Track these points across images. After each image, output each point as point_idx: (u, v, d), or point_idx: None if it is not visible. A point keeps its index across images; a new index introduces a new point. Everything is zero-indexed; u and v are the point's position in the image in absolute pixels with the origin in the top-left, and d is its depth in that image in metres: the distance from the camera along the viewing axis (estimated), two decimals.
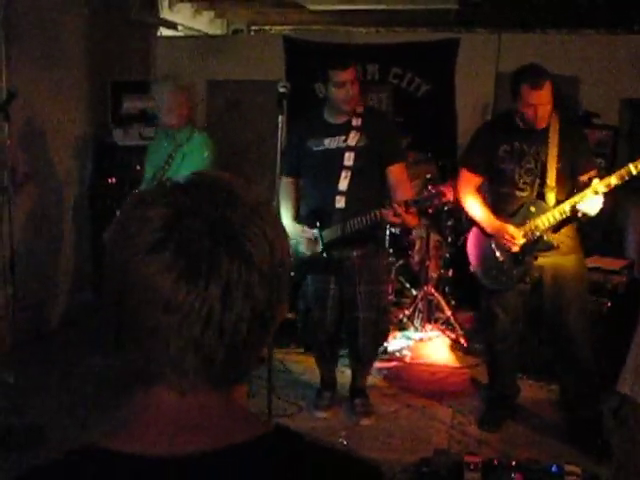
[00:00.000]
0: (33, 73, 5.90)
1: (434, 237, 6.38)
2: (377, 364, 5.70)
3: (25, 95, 5.41)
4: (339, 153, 4.52)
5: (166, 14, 8.28)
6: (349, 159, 4.51)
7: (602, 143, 6.48)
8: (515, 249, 4.35)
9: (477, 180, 4.56)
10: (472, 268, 4.63)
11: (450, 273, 6.40)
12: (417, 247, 6.36)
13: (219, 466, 0.96)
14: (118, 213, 1.07)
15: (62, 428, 4.34)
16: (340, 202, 4.49)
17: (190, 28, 8.87)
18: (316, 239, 4.49)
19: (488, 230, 4.46)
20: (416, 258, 6.39)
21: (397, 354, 5.91)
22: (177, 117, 4.89)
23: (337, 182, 4.50)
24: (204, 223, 0.96)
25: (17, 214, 4.28)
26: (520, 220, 4.36)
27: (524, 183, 4.36)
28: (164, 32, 8.49)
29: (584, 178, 4.21)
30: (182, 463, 0.95)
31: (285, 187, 4.65)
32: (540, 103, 4.14)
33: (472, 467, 3.73)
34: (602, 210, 4.16)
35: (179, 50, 8.33)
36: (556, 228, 4.33)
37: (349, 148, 4.51)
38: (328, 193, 4.52)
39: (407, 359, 5.86)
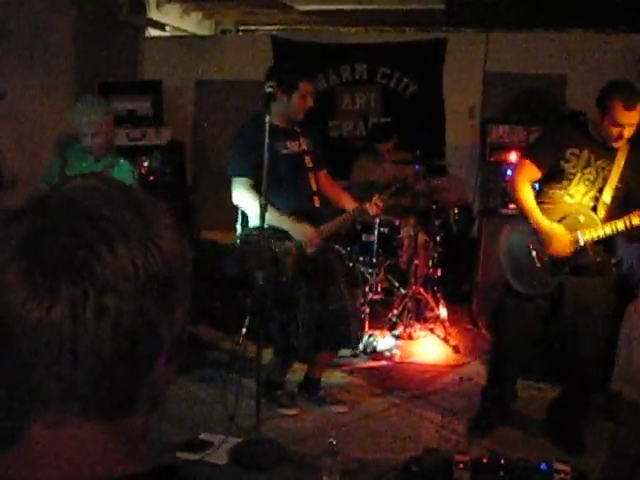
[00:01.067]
0: (21, 74, 5.88)
1: (422, 236, 6.39)
2: (366, 363, 5.73)
3: (13, 96, 5.41)
4: (301, 156, 4.75)
5: (154, 15, 8.26)
6: (309, 162, 4.79)
7: None
8: (565, 253, 4.26)
9: (536, 174, 4.39)
10: (503, 266, 4.49)
11: (439, 272, 6.41)
12: (405, 246, 6.37)
13: None
14: None
15: None
16: (317, 202, 4.77)
17: (178, 29, 8.85)
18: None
19: (536, 227, 4.31)
20: (404, 257, 6.40)
21: (386, 353, 5.92)
22: (104, 143, 4.48)
23: (309, 183, 4.75)
24: (56, 241, 0.88)
25: None
26: (567, 227, 4.27)
27: (577, 192, 4.27)
28: (152, 33, 8.48)
29: None
30: None
31: (251, 188, 4.59)
32: (629, 124, 4.05)
33: (461, 466, 3.73)
34: None
35: (167, 51, 8.32)
36: (596, 244, 4.25)
37: (305, 152, 4.77)
38: (306, 194, 4.72)
39: (396, 358, 5.87)
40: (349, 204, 4.85)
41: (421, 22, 8.67)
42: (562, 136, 4.38)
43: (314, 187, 4.78)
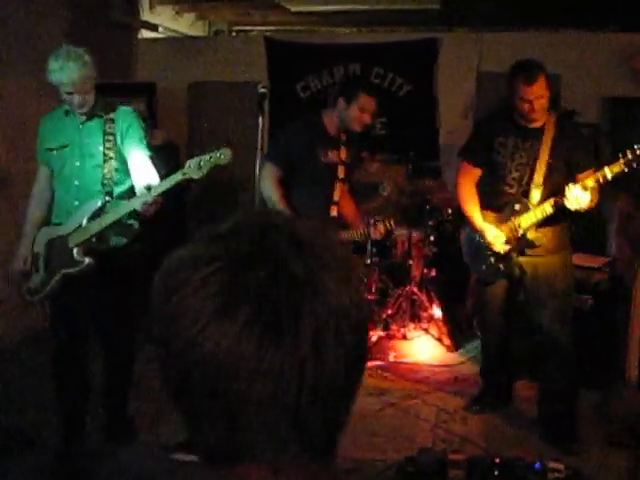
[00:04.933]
0: (16, 75, 5.86)
1: (416, 236, 6.39)
2: None
3: (8, 97, 5.40)
4: (336, 166, 4.98)
5: (147, 16, 8.25)
6: (341, 173, 5.03)
7: None
8: (495, 249, 4.44)
9: (476, 172, 4.59)
10: (464, 259, 4.79)
11: (433, 272, 6.41)
12: (400, 246, 6.37)
13: None
14: (160, 281, 0.94)
15: (50, 430, 4.28)
16: (334, 211, 5.02)
17: (171, 30, 8.85)
18: None
19: (474, 227, 4.54)
20: (399, 257, 6.40)
21: (381, 353, 5.92)
22: (90, 97, 3.95)
23: (332, 193, 4.98)
24: (268, 274, 0.86)
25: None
26: (506, 216, 4.43)
27: (513, 179, 4.40)
28: (145, 34, 8.46)
29: (582, 177, 4.21)
30: None
31: (276, 178, 4.77)
32: (535, 97, 4.17)
33: (456, 465, 3.73)
34: (591, 207, 4.19)
35: (160, 52, 8.31)
36: (540, 226, 4.37)
37: (342, 162, 5.00)
38: (325, 202, 4.97)
39: (391, 358, 5.87)
40: (355, 224, 5.22)
41: (415, 22, 8.68)
42: (487, 129, 4.56)
43: (336, 197, 5.03)
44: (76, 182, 3.98)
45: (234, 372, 0.83)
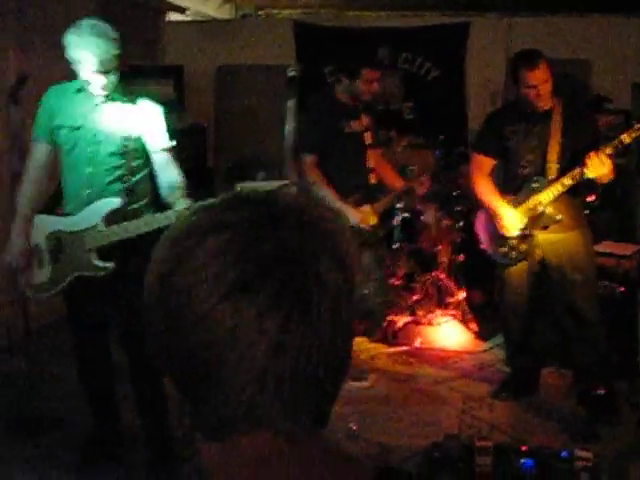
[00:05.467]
0: (44, 58, 5.87)
1: (444, 222, 6.36)
2: (387, 349, 5.72)
3: (37, 79, 5.39)
4: (362, 134, 4.99)
5: None
6: (369, 139, 5.04)
7: (613, 127, 6.44)
8: (513, 232, 4.49)
9: (489, 163, 4.68)
10: (482, 246, 4.79)
11: (461, 258, 6.37)
12: (427, 232, 6.34)
13: None
14: (162, 249, 0.91)
15: (79, 415, 4.31)
16: (373, 179, 5.09)
17: (198, 13, 8.83)
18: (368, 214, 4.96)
19: (491, 212, 4.60)
20: (426, 243, 6.37)
21: (407, 339, 5.91)
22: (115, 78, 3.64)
23: (367, 161, 5.03)
24: (279, 245, 0.86)
25: None
26: (524, 197, 4.48)
27: (527, 161, 4.47)
28: (172, 17, 8.46)
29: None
30: None
31: (314, 165, 4.85)
32: (539, 83, 4.27)
33: (483, 451, 3.72)
34: (609, 178, 4.26)
35: (188, 35, 8.31)
36: (558, 203, 4.42)
37: (366, 129, 5.02)
38: (364, 171, 5.03)
39: (417, 344, 5.85)
40: (398, 182, 5.22)
41: (443, 6, 8.61)
42: (498, 120, 4.66)
43: (371, 164, 5.06)
44: (88, 170, 3.63)
45: (253, 347, 0.83)
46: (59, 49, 3.50)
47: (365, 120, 5.03)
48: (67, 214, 3.71)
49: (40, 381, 4.60)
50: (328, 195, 4.74)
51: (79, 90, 3.66)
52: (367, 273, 4.99)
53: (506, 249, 4.59)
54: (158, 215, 3.54)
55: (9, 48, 5.69)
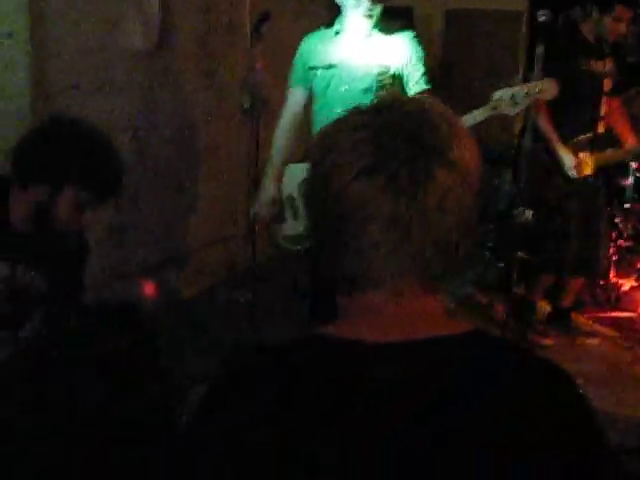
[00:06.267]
0: None
1: None
2: (610, 313, 5.48)
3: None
4: (601, 78, 4.77)
5: None
6: (607, 85, 4.79)
7: None
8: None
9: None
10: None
11: None
12: None
13: (429, 353, 1.07)
14: (318, 140, 1.16)
15: None
16: (601, 128, 4.79)
17: None
18: None
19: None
20: None
21: (632, 304, 5.61)
22: None
23: (599, 107, 4.77)
24: (409, 140, 1.05)
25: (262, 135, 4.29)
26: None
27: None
28: None
29: None
30: (396, 348, 1.07)
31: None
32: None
33: None
34: None
35: None
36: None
37: (606, 74, 4.78)
38: (592, 116, 4.73)
39: None
40: (631, 139, 4.88)
41: None
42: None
43: (602, 112, 4.74)
44: (339, 109, 3.41)
45: (374, 218, 1.05)
46: None
47: (608, 64, 4.73)
48: None
49: (264, 316, 4.61)
50: (548, 132, 4.57)
51: (337, 32, 3.67)
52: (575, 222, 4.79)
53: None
54: None
55: None
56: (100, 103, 4.35)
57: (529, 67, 4.41)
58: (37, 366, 2.45)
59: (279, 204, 3.79)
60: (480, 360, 1.08)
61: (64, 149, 2.45)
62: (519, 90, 3.21)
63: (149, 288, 4.74)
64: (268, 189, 3.80)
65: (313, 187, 1.14)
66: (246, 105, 4.83)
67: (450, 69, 7.84)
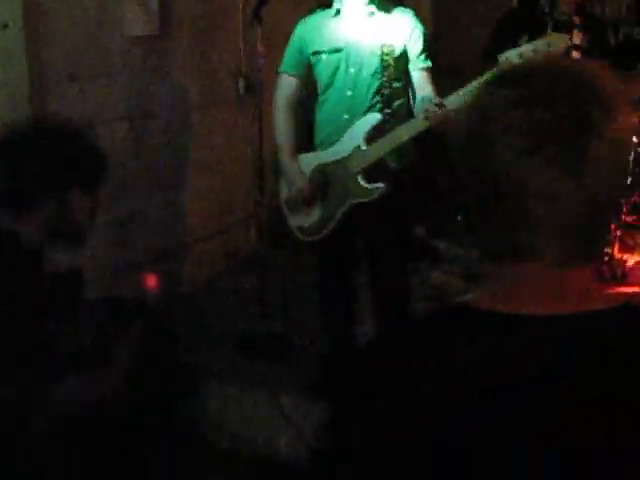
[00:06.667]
0: None
1: None
2: (616, 289, 5.43)
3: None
4: None
5: None
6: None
7: None
8: None
9: None
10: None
11: None
12: None
13: (584, 326, 1.09)
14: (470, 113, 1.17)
15: (308, 335, 4.31)
16: None
17: None
18: None
19: None
20: None
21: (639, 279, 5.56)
22: None
23: None
24: (563, 116, 1.06)
25: (265, 120, 4.21)
26: None
27: None
28: None
29: None
30: (552, 321, 1.09)
31: None
32: None
33: None
34: None
35: None
36: None
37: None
38: None
39: None
40: None
41: None
42: None
43: None
44: (349, 92, 3.54)
45: (539, 196, 1.07)
46: None
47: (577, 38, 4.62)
48: (325, 144, 3.70)
49: (269, 301, 4.54)
50: None
51: (338, 12, 3.58)
52: None
53: None
54: (413, 120, 3.46)
55: None
56: (96, 93, 4.28)
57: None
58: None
59: (308, 188, 3.72)
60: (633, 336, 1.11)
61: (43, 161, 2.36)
62: (526, 48, 3.08)
63: (151, 281, 4.65)
64: (296, 172, 3.73)
65: (473, 160, 1.15)
66: (242, 91, 4.75)
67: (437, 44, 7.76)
